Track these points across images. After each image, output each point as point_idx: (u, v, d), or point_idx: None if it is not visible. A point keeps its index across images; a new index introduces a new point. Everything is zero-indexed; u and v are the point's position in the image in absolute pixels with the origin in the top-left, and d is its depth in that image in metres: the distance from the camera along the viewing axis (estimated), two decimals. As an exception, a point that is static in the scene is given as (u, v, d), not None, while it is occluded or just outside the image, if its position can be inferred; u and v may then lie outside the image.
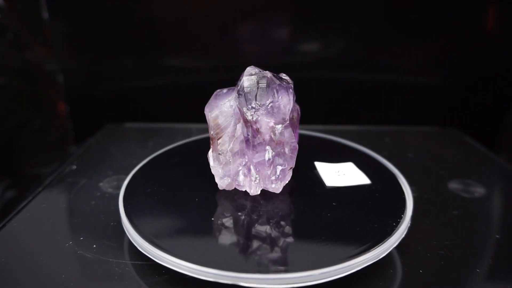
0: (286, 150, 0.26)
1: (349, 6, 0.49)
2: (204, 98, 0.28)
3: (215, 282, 0.21)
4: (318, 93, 0.52)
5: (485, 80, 0.52)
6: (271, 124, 0.26)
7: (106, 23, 0.50)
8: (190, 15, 0.49)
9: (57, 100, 0.55)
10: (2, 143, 0.50)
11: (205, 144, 0.30)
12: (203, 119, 0.28)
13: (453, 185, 0.35)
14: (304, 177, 0.31)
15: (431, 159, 0.41)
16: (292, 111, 0.27)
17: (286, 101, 0.26)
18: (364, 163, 0.33)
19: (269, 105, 0.26)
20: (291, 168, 0.27)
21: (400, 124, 0.52)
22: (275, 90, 0.26)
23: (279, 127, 0.26)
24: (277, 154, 0.26)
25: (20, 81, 0.52)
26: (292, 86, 0.27)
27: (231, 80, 0.29)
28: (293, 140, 0.26)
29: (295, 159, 0.27)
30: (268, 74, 0.26)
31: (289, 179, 0.28)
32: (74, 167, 0.38)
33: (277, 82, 0.26)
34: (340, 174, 0.31)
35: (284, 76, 0.28)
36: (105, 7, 0.49)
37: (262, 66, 0.27)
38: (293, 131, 0.27)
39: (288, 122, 0.26)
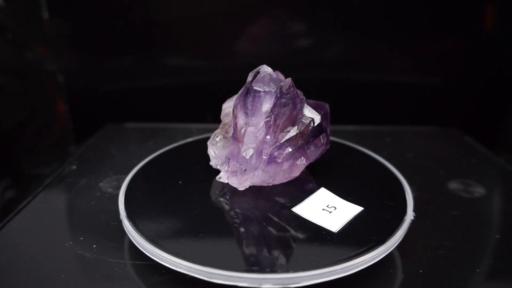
0: (244, 151, 0.26)
1: (349, 5, 0.49)
2: (204, 98, 0.28)
3: (215, 282, 0.21)
4: (318, 93, 0.52)
5: (485, 80, 0.52)
6: (242, 120, 0.26)
7: (106, 23, 0.49)
8: (190, 15, 0.49)
9: (57, 100, 0.55)
10: (2, 143, 0.50)
11: (205, 144, 0.30)
12: (203, 119, 0.28)
13: (453, 185, 0.35)
14: (289, 194, 0.28)
15: (431, 159, 0.41)
16: (269, 117, 0.26)
17: (261, 105, 0.26)
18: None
19: (246, 103, 0.26)
20: (245, 170, 0.27)
21: (400, 124, 0.52)
22: (254, 91, 0.26)
23: (242, 125, 0.26)
24: (238, 152, 0.27)
25: (20, 81, 0.52)
26: (286, 95, 0.26)
27: (231, 81, 0.29)
28: (251, 144, 0.26)
29: (252, 164, 0.26)
30: (264, 74, 0.26)
31: (251, 181, 0.27)
32: (74, 167, 0.38)
33: (264, 84, 0.26)
34: (326, 209, 0.26)
35: (288, 81, 0.27)
36: (105, 7, 0.49)
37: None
38: (268, 138, 0.26)
39: (251, 125, 0.26)
